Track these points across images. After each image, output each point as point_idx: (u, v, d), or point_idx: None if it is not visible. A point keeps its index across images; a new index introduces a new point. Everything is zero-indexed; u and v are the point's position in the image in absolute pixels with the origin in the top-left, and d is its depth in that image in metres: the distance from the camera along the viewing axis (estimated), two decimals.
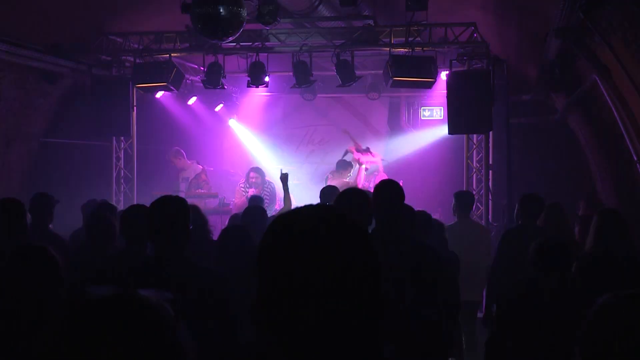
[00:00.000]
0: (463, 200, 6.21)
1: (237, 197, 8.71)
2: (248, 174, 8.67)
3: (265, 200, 8.14)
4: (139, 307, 1.08)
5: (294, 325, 0.98)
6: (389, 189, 3.38)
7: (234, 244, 4.09)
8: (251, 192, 8.26)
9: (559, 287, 3.31)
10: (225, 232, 4.33)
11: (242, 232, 4.21)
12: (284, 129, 11.92)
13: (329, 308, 0.97)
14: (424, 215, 4.70)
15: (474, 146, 9.05)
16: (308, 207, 1.08)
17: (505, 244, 5.18)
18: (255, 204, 5.97)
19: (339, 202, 3.26)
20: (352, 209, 3.11)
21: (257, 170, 8.71)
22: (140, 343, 1.03)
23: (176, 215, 2.87)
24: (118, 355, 1.01)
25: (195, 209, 4.76)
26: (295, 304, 0.97)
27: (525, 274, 3.53)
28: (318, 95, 11.14)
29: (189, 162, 9.52)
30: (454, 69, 8.19)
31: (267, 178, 8.83)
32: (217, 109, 10.97)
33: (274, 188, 8.62)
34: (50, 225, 4.86)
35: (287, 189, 6.92)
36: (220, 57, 8.51)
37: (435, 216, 6.02)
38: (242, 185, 8.68)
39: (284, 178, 6.98)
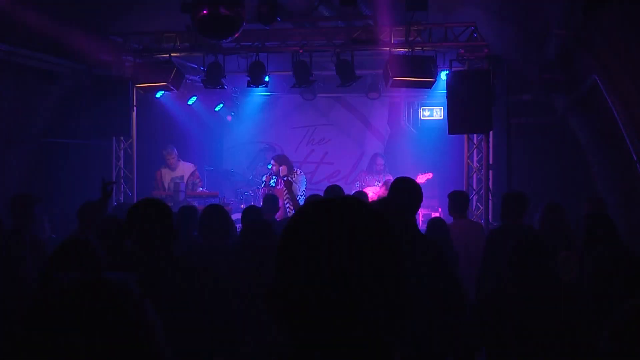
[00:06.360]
0: (457, 200, 6.19)
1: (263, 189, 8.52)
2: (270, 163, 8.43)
3: (298, 192, 7.83)
4: (104, 288, 1.12)
5: (311, 312, 1.00)
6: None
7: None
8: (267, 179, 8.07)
9: (537, 291, 3.06)
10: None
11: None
12: (284, 129, 11.91)
13: (348, 294, 0.99)
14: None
15: (474, 146, 9.04)
16: (334, 198, 1.11)
17: (489, 246, 5.04)
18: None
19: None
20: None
21: (277, 159, 8.38)
22: (108, 322, 1.08)
23: (152, 216, 2.83)
24: (87, 334, 1.05)
25: (224, 211, 4.72)
26: (314, 291, 0.99)
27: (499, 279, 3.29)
28: (318, 95, 11.15)
29: (179, 161, 9.35)
30: (454, 69, 8.19)
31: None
32: (217, 109, 10.97)
33: (301, 176, 8.29)
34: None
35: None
36: (220, 57, 8.51)
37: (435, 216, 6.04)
38: (266, 177, 8.47)
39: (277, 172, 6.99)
